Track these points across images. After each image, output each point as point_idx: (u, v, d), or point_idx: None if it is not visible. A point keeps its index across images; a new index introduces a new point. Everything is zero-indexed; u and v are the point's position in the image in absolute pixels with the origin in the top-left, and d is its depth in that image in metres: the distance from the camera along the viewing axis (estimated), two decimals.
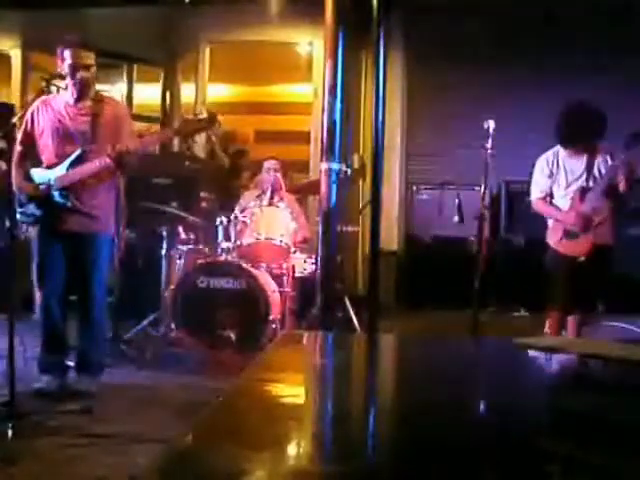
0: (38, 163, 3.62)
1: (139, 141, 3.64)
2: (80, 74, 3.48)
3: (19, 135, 3.61)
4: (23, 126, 3.63)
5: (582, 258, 3.85)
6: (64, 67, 3.49)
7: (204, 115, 3.63)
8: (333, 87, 4.08)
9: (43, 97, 3.58)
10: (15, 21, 6.85)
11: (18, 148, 3.60)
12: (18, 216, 3.51)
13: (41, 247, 3.63)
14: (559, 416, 1.14)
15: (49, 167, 3.56)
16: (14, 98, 6.71)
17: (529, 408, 1.20)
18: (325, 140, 4.11)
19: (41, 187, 3.53)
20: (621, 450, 0.94)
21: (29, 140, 3.62)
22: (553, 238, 4.00)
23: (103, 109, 3.60)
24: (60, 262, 3.59)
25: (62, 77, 3.50)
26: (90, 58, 3.52)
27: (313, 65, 6.74)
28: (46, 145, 3.59)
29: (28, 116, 3.60)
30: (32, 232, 3.70)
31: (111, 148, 3.47)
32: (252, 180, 5.87)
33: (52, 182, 3.52)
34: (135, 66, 7.11)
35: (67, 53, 3.48)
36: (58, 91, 3.72)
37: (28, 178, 3.58)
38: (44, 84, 3.43)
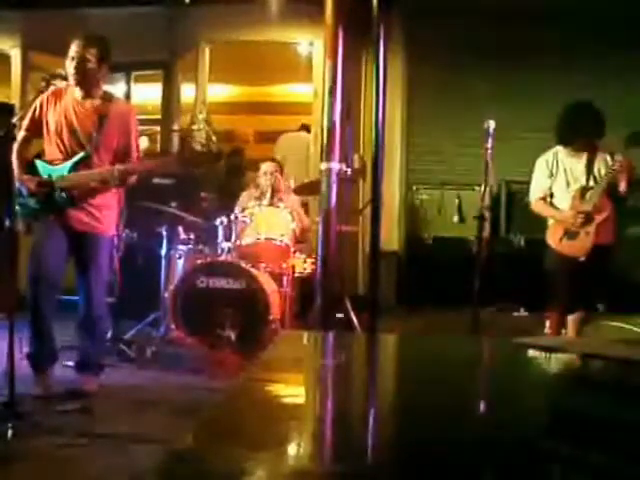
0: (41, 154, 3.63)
1: (142, 163, 3.68)
2: (75, 63, 3.49)
3: (26, 121, 3.62)
4: (30, 113, 3.61)
5: (582, 258, 3.85)
6: (68, 60, 3.52)
7: (212, 149, 3.63)
8: (333, 87, 4.07)
9: (55, 88, 3.57)
10: (15, 21, 6.85)
11: (22, 133, 3.60)
12: (17, 208, 3.47)
13: (39, 242, 3.60)
14: (559, 416, 1.14)
15: (52, 162, 3.56)
16: (14, 98, 6.71)
17: (529, 408, 1.20)
18: (325, 140, 4.11)
19: (43, 182, 3.52)
20: (621, 450, 0.94)
21: (34, 127, 3.62)
22: (553, 238, 4.00)
23: (110, 110, 3.59)
24: (58, 259, 3.57)
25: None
26: (89, 53, 3.50)
27: (313, 65, 6.74)
28: (51, 139, 3.59)
29: (37, 104, 3.59)
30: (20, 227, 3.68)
31: (117, 170, 3.49)
32: (254, 180, 5.87)
33: (54, 180, 3.52)
34: (135, 69, 7.12)
35: (72, 46, 3.51)
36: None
37: (29, 168, 3.57)
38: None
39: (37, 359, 3.60)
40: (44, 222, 3.58)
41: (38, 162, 3.58)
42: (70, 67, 3.50)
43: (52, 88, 3.55)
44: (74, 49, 3.50)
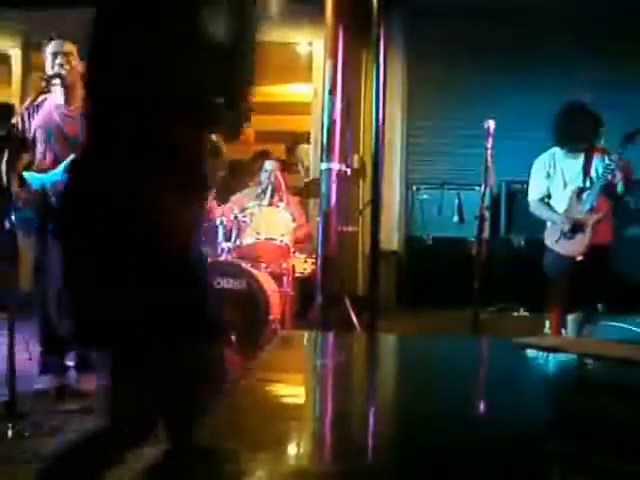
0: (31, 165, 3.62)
1: None
2: (59, 59, 3.46)
3: None
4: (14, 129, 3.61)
5: (580, 258, 3.86)
6: (47, 60, 3.49)
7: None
8: (333, 87, 4.08)
9: (31, 98, 3.54)
10: (15, 21, 6.85)
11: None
12: (14, 220, 3.49)
13: (38, 250, 3.61)
14: (559, 416, 1.14)
15: (42, 170, 3.54)
16: (14, 98, 6.70)
17: (529, 408, 1.20)
18: (325, 140, 4.12)
19: (37, 192, 3.51)
20: (621, 450, 0.94)
21: (21, 143, 3.59)
22: (551, 238, 4.00)
23: None
24: (58, 264, 3.58)
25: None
26: (71, 47, 3.50)
27: (313, 65, 6.74)
28: (39, 148, 3.58)
29: (18, 119, 3.57)
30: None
31: None
32: (253, 179, 5.87)
33: (47, 187, 3.50)
34: None
35: (50, 45, 3.50)
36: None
37: (21, 181, 3.56)
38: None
39: (45, 366, 3.62)
40: (41, 231, 3.58)
41: (28, 174, 3.55)
42: (53, 64, 3.46)
43: (28, 100, 3.53)
44: (54, 45, 3.48)
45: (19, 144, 3.60)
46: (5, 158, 3.35)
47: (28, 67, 6.89)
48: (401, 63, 6.59)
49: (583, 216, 3.83)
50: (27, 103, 3.54)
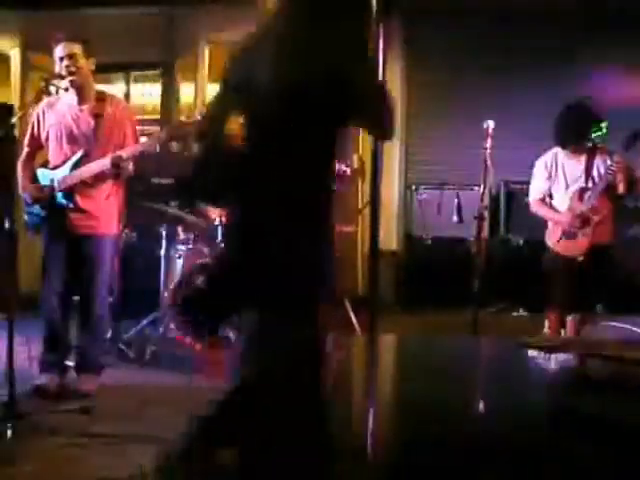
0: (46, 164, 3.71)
1: (135, 147, 3.67)
2: (66, 62, 3.50)
3: (26, 137, 3.73)
4: (29, 129, 3.72)
5: (581, 258, 3.86)
6: (57, 63, 3.54)
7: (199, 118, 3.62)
8: None
9: (48, 99, 3.66)
10: (15, 21, 6.85)
11: (25, 150, 3.72)
12: (25, 217, 3.66)
13: (45, 247, 3.66)
14: (559, 415, 1.14)
15: (55, 168, 3.62)
16: (14, 98, 6.70)
17: (529, 407, 1.20)
18: None
19: (45, 188, 3.60)
20: (621, 450, 0.94)
21: (35, 142, 3.71)
22: (552, 239, 4.00)
23: (106, 110, 3.63)
24: (63, 262, 3.62)
25: (62, 77, 3.52)
26: (76, 48, 3.53)
27: None
28: (52, 147, 3.66)
29: (34, 118, 3.70)
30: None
31: (111, 157, 3.51)
32: None
33: (55, 183, 3.57)
34: (134, 69, 7.12)
35: (57, 48, 3.53)
36: (57, 92, 3.74)
37: (34, 179, 3.67)
38: (44, 84, 3.44)
39: (46, 365, 3.63)
40: (50, 228, 3.62)
41: (39, 170, 3.68)
42: (62, 68, 3.51)
43: (45, 101, 3.64)
44: (61, 48, 3.52)
45: (34, 144, 3.70)
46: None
47: (27, 67, 6.89)
48: (401, 63, 6.59)
49: (586, 209, 3.83)
50: (43, 104, 3.65)
